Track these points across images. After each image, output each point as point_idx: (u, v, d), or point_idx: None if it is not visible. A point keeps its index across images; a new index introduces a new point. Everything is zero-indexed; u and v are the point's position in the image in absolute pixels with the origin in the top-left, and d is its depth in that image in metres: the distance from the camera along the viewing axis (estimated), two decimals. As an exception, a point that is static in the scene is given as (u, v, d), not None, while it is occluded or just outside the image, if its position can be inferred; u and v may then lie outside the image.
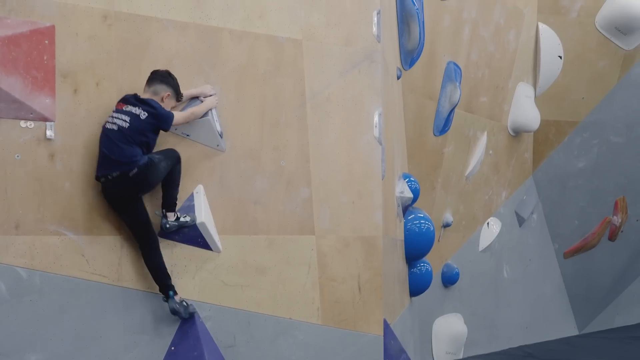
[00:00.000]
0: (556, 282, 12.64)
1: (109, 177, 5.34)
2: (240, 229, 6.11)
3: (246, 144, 6.17)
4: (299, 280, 6.30)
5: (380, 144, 6.70)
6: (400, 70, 8.33)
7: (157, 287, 5.62)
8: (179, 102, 5.80)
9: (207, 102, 5.89)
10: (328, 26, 6.57)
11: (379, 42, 6.76)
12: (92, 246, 5.44)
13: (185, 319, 5.73)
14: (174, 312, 5.62)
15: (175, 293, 5.63)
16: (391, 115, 7.49)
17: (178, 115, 5.67)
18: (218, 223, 5.98)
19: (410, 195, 8.12)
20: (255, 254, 6.14)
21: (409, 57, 8.58)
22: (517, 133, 11.29)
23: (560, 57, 11.36)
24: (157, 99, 5.56)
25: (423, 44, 8.61)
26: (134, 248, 5.61)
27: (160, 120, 5.51)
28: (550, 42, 11.28)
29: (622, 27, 11.19)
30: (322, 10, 6.55)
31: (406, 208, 8.27)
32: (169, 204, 5.71)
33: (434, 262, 9.12)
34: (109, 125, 5.39)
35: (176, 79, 5.68)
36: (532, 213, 11.97)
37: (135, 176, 5.35)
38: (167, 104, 5.63)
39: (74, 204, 5.38)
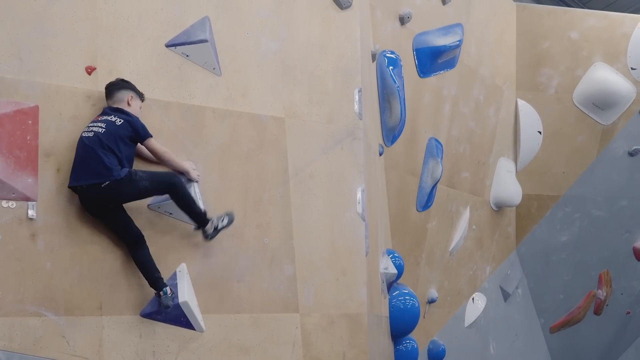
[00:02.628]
0: (543, 358, 12.53)
1: (79, 187, 5.31)
2: (224, 307, 6.04)
3: (229, 222, 6.16)
4: (284, 360, 6.22)
5: (364, 220, 6.70)
6: (382, 147, 8.41)
7: (138, 369, 5.53)
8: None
9: (186, 163, 5.86)
10: (310, 104, 6.64)
11: (360, 119, 6.83)
12: (73, 327, 5.35)
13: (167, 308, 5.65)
14: (166, 307, 5.59)
15: (168, 291, 5.59)
16: (374, 192, 7.52)
17: (155, 142, 5.62)
18: (201, 302, 5.91)
19: (394, 271, 8.09)
20: (239, 333, 6.06)
21: (391, 133, 8.67)
22: (500, 208, 11.36)
23: (540, 133, 11.52)
24: (123, 105, 5.52)
25: (404, 120, 8.72)
26: (116, 329, 5.52)
27: (136, 128, 5.45)
28: (530, 117, 11.46)
29: (600, 103, 11.39)
30: (304, 88, 6.64)
31: (391, 284, 8.23)
32: (199, 222, 5.79)
33: (419, 338, 9.04)
34: (85, 134, 5.34)
35: (131, 83, 5.63)
36: (517, 288, 11.95)
37: (107, 188, 5.26)
38: (135, 106, 5.59)
39: (55, 285, 5.31)
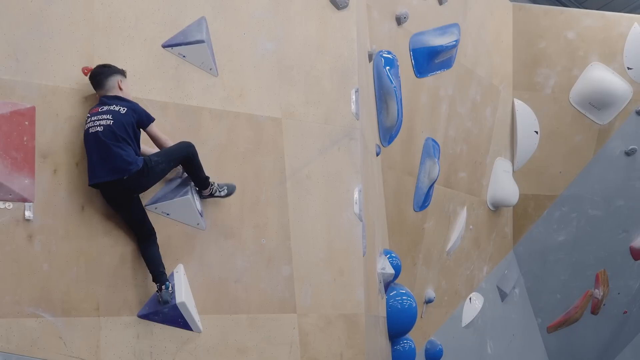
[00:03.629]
0: (540, 357, 12.54)
1: (101, 184, 5.37)
2: (221, 308, 6.04)
3: (226, 223, 6.15)
4: (281, 360, 6.22)
5: (361, 220, 6.71)
6: (379, 147, 8.41)
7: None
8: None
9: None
10: (307, 104, 6.65)
11: (357, 119, 6.84)
12: (70, 328, 5.35)
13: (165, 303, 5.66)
14: (164, 302, 5.59)
15: (169, 285, 5.63)
16: (371, 192, 7.52)
17: (157, 128, 5.67)
18: (198, 302, 5.91)
19: (391, 271, 8.09)
20: (236, 333, 6.06)
21: (388, 134, 8.67)
22: (497, 208, 11.36)
23: (537, 132, 11.53)
24: (116, 91, 5.51)
25: (401, 121, 8.72)
26: (113, 330, 5.52)
27: (140, 114, 5.50)
28: (526, 117, 11.47)
29: (596, 103, 11.41)
30: (301, 88, 6.64)
31: (388, 284, 8.23)
32: (200, 186, 5.88)
33: (417, 338, 9.04)
34: (92, 130, 5.33)
35: (113, 66, 5.59)
36: (514, 287, 11.96)
37: (129, 180, 5.35)
38: (125, 88, 5.58)
39: (52, 286, 5.30)
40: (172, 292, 5.68)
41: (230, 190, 6.05)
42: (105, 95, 5.50)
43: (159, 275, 5.60)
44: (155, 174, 5.53)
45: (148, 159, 5.45)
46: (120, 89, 5.54)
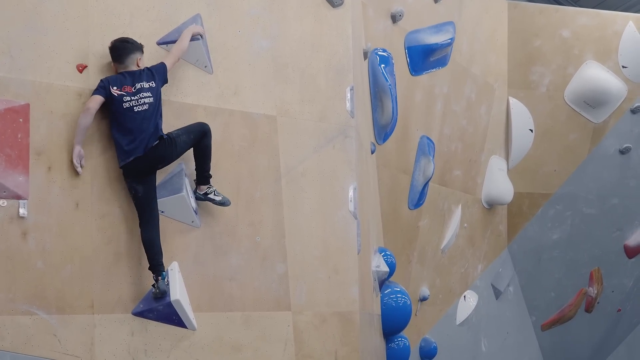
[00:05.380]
0: (534, 355, 12.56)
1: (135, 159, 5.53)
2: (216, 306, 6.04)
3: (221, 220, 6.15)
4: (276, 358, 6.20)
5: (356, 218, 6.71)
6: (374, 145, 8.41)
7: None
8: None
9: (186, 31, 6.01)
10: (302, 102, 6.64)
11: (352, 117, 6.83)
12: (65, 326, 5.34)
13: (159, 299, 5.67)
14: (162, 292, 5.60)
15: (166, 276, 5.65)
16: (366, 190, 7.52)
17: (168, 61, 5.85)
18: (193, 300, 5.90)
19: (386, 269, 8.10)
20: (231, 331, 6.06)
21: (383, 131, 8.68)
22: (491, 206, 11.38)
23: (531, 131, 11.55)
24: (133, 67, 5.68)
25: (396, 119, 8.72)
26: (108, 327, 5.51)
27: (161, 76, 5.73)
28: (521, 115, 11.48)
29: (591, 101, 11.43)
30: (296, 86, 6.64)
31: (382, 282, 8.24)
32: (201, 177, 5.94)
33: (411, 336, 9.05)
34: (137, 108, 5.55)
35: (135, 41, 5.76)
36: (508, 285, 11.97)
37: (158, 149, 5.58)
38: (141, 64, 5.75)
39: (46, 283, 5.29)
40: (168, 284, 5.68)
41: (225, 201, 6.03)
42: (127, 70, 5.65)
43: (157, 265, 5.61)
44: (178, 145, 5.70)
45: (169, 133, 5.69)
46: (138, 66, 5.70)
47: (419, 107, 9.44)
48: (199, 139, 5.83)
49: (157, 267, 5.60)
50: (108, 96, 5.49)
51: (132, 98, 5.53)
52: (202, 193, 5.95)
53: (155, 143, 5.56)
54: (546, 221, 12.06)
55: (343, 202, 6.67)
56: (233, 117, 6.28)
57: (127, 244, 5.66)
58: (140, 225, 5.65)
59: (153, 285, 5.61)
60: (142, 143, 5.50)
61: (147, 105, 5.55)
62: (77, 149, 5.44)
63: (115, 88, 5.51)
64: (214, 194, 5.97)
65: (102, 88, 5.51)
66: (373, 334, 7.58)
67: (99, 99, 5.46)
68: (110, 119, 5.59)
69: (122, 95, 5.52)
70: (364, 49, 8.02)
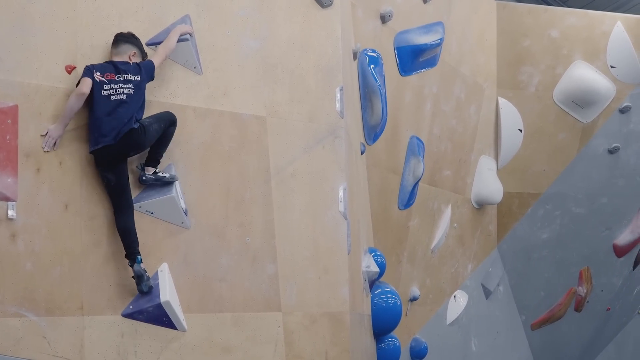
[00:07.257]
0: (524, 354, 12.60)
1: (104, 146, 5.50)
2: (206, 307, 6.03)
3: (211, 221, 6.15)
4: (266, 359, 6.20)
5: (346, 218, 6.71)
6: (364, 145, 8.42)
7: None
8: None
9: (174, 30, 6.03)
10: (291, 103, 6.64)
11: (342, 117, 6.84)
12: (54, 328, 5.33)
13: (145, 293, 5.66)
14: (139, 276, 5.56)
15: (141, 260, 5.60)
16: (356, 190, 7.53)
17: (156, 59, 5.87)
18: (183, 301, 5.90)
19: (376, 269, 8.10)
20: (221, 332, 6.06)
21: (372, 132, 8.68)
22: (481, 206, 11.40)
23: (521, 131, 11.58)
24: (124, 58, 5.71)
25: (386, 119, 8.73)
26: (97, 329, 5.50)
27: (148, 72, 5.75)
28: (510, 115, 11.51)
29: (580, 101, 11.46)
30: (286, 87, 6.64)
31: (373, 282, 8.24)
32: (152, 160, 5.86)
33: (401, 336, 9.05)
34: (114, 97, 5.54)
35: (139, 40, 5.83)
36: (498, 285, 12.00)
37: (129, 137, 5.54)
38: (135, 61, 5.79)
39: (36, 285, 5.28)
40: (148, 277, 5.65)
41: (174, 178, 5.98)
42: (117, 60, 5.67)
43: (133, 253, 5.59)
44: (149, 133, 5.65)
45: (142, 121, 5.65)
46: (130, 60, 5.73)
47: (409, 108, 9.45)
48: (167, 127, 5.85)
49: (132, 254, 5.60)
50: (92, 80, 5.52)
51: (112, 86, 5.54)
52: (151, 173, 5.86)
53: (127, 131, 5.53)
54: (536, 221, 12.09)
55: (333, 203, 6.68)
56: (222, 118, 6.28)
57: (116, 245, 5.64)
58: (115, 213, 5.65)
59: (132, 277, 5.60)
60: (114, 131, 5.47)
61: (124, 95, 5.55)
62: (56, 127, 5.44)
63: (98, 74, 5.53)
64: (162, 173, 5.92)
65: (89, 71, 5.53)
66: (363, 334, 7.58)
67: (90, 82, 5.48)
68: (88, 107, 5.58)
69: (103, 82, 5.52)
70: (354, 50, 8.02)
